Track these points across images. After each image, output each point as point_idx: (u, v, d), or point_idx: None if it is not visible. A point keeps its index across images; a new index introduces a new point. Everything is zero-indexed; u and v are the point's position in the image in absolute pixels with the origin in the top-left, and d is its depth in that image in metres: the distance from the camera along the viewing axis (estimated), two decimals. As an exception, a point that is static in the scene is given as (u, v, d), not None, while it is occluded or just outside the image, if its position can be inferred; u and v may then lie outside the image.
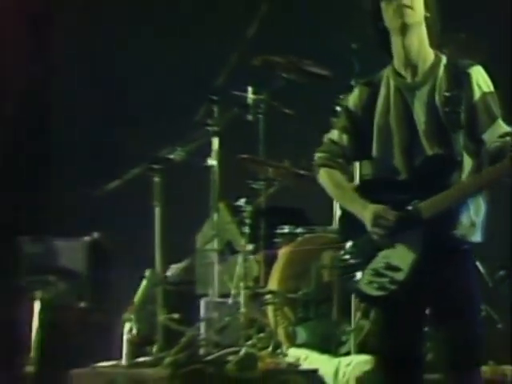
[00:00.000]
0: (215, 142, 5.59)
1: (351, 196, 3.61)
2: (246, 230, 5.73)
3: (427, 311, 3.65)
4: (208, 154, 5.64)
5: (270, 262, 5.84)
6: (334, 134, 3.65)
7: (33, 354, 6.13)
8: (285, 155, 5.91)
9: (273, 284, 5.70)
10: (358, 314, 5.41)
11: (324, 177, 3.64)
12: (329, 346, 5.45)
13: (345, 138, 3.65)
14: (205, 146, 5.68)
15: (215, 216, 5.92)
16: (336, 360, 5.24)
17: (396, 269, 3.53)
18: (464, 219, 3.49)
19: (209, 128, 5.54)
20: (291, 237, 5.88)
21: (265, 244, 5.94)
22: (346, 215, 3.63)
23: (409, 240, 3.52)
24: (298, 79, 5.67)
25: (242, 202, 5.74)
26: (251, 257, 5.89)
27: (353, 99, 3.71)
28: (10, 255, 6.85)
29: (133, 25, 7.39)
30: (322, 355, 5.35)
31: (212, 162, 5.63)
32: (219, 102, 5.70)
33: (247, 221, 5.75)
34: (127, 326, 5.70)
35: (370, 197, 3.55)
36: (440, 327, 3.59)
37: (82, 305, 6.62)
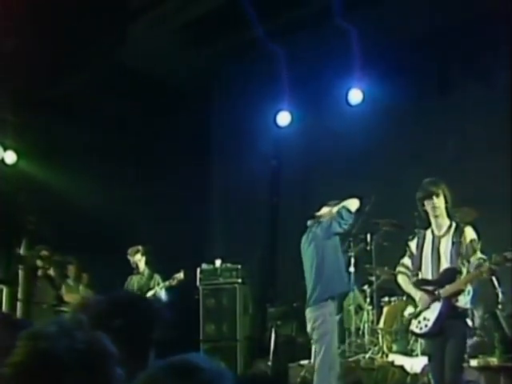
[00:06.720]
0: (352, 261, 8.34)
1: (411, 288, 5.30)
2: (367, 299, 8.44)
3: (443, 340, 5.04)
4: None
5: (379, 314, 8.24)
6: (405, 260, 5.40)
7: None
8: (383, 263, 8.40)
9: (380, 324, 8.10)
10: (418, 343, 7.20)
11: (400, 278, 5.41)
12: (406, 352, 7.65)
13: (409, 262, 5.36)
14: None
15: (353, 294, 8.46)
16: (411, 359, 7.36)
17: (428, 320, 5.16)
18: (461, 297, 4.96)
19: (350, 253, 8.31)
20: (388, 302, 8.27)
21: (376, 305, 8.34)
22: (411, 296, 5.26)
23: (435, 307, 5.10)
24: (389, 229, 8.34)
25: (365, 287, 8.53)
26: (370, 311, 8.37)
27: (413, 243, 5.35)
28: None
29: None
30: (404, 357, 7.53)
31: (351, 269, 8.25)
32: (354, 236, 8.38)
33: (368, 295, 8.46)
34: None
35: (419, 287, 5.22)
36: (446, 349, 5.04)
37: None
